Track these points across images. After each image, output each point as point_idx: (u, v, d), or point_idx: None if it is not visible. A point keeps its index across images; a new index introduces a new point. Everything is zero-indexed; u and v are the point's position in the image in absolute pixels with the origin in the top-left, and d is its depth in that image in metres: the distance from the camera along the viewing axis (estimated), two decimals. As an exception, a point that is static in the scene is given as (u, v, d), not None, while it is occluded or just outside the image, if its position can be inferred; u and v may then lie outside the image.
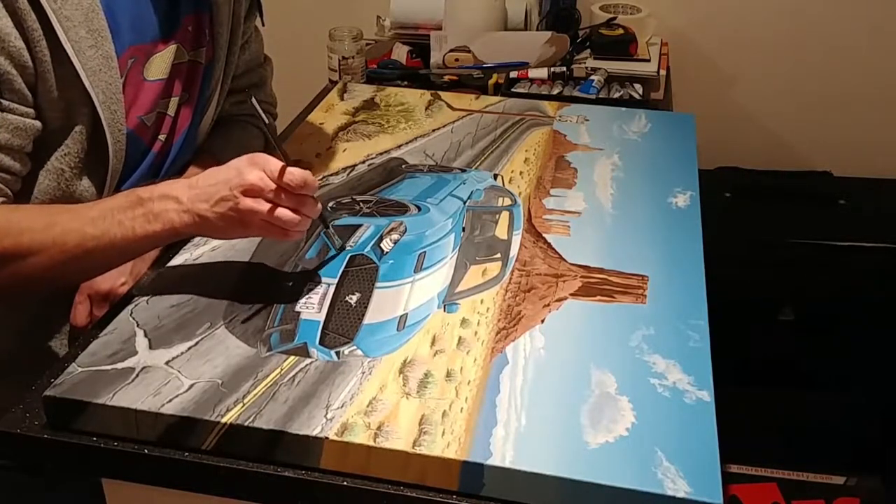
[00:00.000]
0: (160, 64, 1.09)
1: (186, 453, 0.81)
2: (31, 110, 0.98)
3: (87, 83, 0.98)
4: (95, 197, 1.05)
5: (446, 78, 1.68)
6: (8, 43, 0.92)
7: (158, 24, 1.07)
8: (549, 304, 0.98)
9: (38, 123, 0.98)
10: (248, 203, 0.90)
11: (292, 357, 0.88)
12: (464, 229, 1.12)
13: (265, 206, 0.91)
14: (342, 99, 1.51)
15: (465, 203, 1.17)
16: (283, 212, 0.91)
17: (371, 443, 0.78)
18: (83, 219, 0.94)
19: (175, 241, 1.01)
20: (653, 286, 1.01)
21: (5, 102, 0.95)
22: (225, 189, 0.91)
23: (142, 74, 1.07)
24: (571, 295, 1.00)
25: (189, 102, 1.16)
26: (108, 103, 1.01)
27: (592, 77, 1.66)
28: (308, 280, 1.01)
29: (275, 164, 0.91)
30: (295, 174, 0.91)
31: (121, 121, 1.03)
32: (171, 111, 1.13)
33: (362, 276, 1.01)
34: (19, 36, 0.93)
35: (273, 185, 0.91)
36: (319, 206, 0.96)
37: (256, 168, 0.91)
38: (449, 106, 1.49)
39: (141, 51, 1.06)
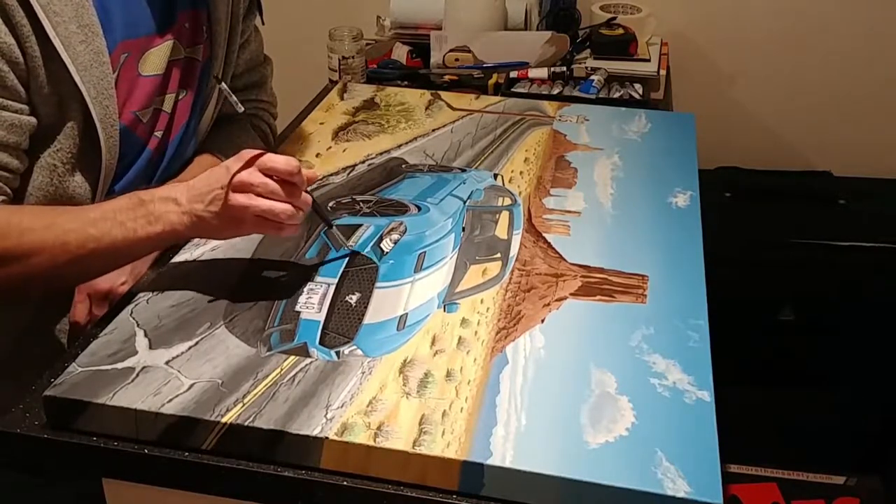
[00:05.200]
0: (155, 59, 1.09)
1: (186, 453, 0.81)
2: (25, 106, 0.98)
3: (77, 79, 0.98)
4: (89, 193, 1.05)
5: (446, 78, 1.68)
6: None
7: (153, 18, 1.07)
8: (549, 304, 0.98)
9: (33, 119, 0.98)
10: (238, 199, 0.92)
11: (292, 357, 0.88)
12: (464, 229, 1.12)
13: (255, 201, 0.92)
14: (342, 99, 1.51)
15: (465, 203, 1.17)
16: (273, 203, 0.93)
17: (371, 443, 0.78)
18: (84, 220, 0.95)
19: (175, 243, 1.02)
20: (653, 286, 1.01)
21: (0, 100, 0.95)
22: (217, 187, 0.93)
23: (136, 69, 1.07)
24: (571, 295, 1.00)
25: (186, 100, 1.15)
26: (99, 98, 1.01)
27: (592, 77, 1.66)
28: (308, 280, 1.01)
29: (261, 156, 0.93)
30: (277, 159, 0.93)
31: (113, 116, 1.03)
32: (168, 108, 1.13)
33: (362, 275, 1.01)
34: (9, 32, 0.93)
35: (261, 178, 0.92)
36: (308, 197, 0.97)
37: (243, 162, 0.93)
38: (449, 106, 1.49)
39: (134, 45, 1.06)
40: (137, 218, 0.94)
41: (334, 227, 1.06)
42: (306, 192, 0.96)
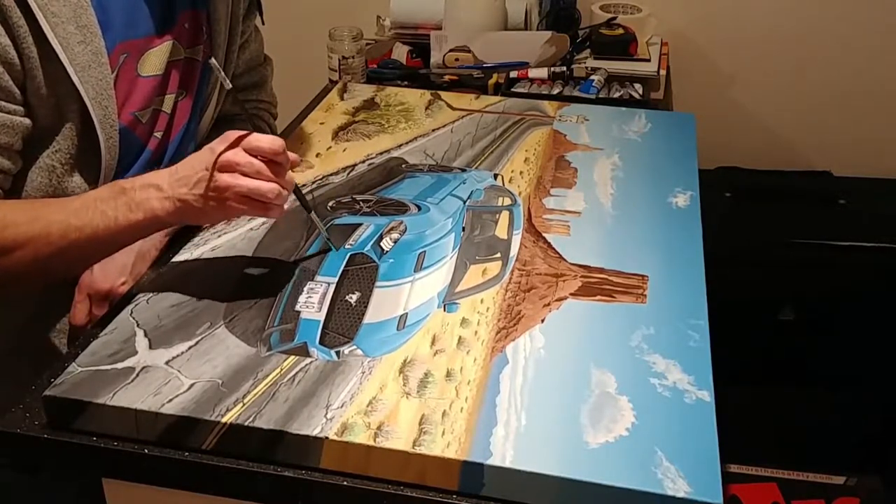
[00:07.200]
0: (155, 60, 1.09)
1: (186, 453, 0.81)
2: (19, 108, 0.97)
3: (75, 79, 0.98)
4: None
5: (446, 78, 1.68)
6: None
7: (152, 18, 1.07)
8: (549, 304, 0.98)
9: (27, 121, 0.98)
10: (223, 178, 0.92)
11: (292, 357, 0.88)
12: (464, 229, 1.12)
13: (241, 180, 0.92)
14: (342, 99, 1.51)
15: (465, 203, 1.17)
16: (259, 182, 0.92)
17: (371, 443, 0.78)
18: (66, 210, 0.94)
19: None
20: (653, 286, 1.01)
21: None
22: (201, 169, 0.92)
23: (135, 70, 1.07)
24: (571, 295, 1.00)
25: (186, 100, 1.15)
26: (98, 99, 1.01)
27: (592, 77, 1.66)
28: (308, 279, 1.01)
29: (245, 136, 0.93)
30: (262, 139, 0.92)
31: (112, 117, 1.03)
32: (167, 108, 1.13)
33: (362, 275, 1.01)
34: (5, 33, 0.93)
35: (247, 158, 0.92)
36: (293, 177, 0.97)
37: (227, 143, 0.93)
38: (449, 106, 1.49)
39: (133, 46, 1.06)
40: (118, 206, 0.93)
41: (324, 229, 1.05)
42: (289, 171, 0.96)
